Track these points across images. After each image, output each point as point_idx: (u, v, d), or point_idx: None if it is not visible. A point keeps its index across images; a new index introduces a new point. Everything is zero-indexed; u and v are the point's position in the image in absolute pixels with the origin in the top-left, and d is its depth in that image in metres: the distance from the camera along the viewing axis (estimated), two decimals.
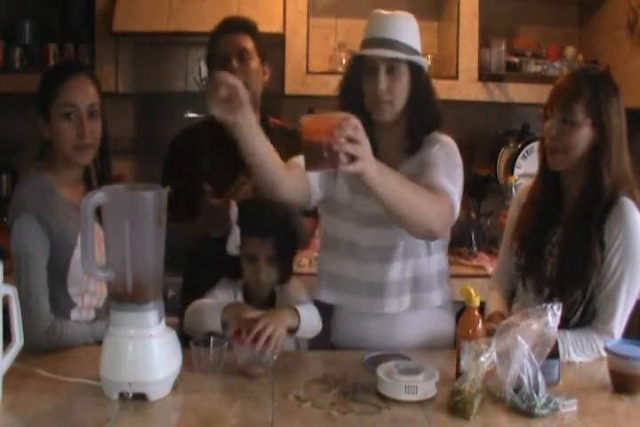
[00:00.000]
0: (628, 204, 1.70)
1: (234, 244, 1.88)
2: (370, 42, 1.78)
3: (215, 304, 1.79)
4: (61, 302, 1.78)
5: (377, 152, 1.77)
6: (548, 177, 1.82)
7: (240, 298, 1.91)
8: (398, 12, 1.80)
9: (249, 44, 2.19)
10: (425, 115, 1.82)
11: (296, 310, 1.73)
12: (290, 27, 3.14)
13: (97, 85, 1.85)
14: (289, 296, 1.91)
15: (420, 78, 1.80)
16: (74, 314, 1.80)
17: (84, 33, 3.25)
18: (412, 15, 1.81)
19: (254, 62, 2.19)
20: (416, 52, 1.79)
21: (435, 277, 1.88)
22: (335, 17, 3.45)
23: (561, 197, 1.82)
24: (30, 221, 1.72)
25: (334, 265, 1.90)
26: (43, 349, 1.69)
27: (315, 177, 1.84)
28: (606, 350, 1.57)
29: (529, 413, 1.41)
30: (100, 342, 1.56)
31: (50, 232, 1.74)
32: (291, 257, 1.95)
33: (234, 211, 1.91)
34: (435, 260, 1.89)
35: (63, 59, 3.22)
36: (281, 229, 1.87)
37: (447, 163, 1.78)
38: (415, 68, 1.78)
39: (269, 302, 1.89)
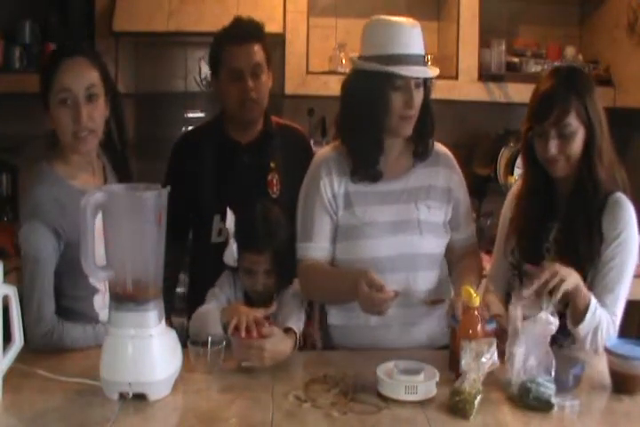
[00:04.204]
0: (623, 198, 1.74)
1: (231, 256, 1.86)
2: (401, 59, 1.74)
3: (214, 309, 1.79)
4: (84, 289, 1.77)
5: (384, 165, 1.85)
6: (536, 176, 1.84)
7: (241, 298, 1.90)
8: (408, 20, 1.79)
9: (261, 55, 2.15)
10: (431, 119, 1.87)
11: (295, 335, 1.73)
12: (290, 27, 3.14)
13: (97, 66, 1.78)
14: (286, 296, 1.89)
15: (429, 86, 1.84)
16: (97, 299, 1.79)
17: (83, 33, 3.24)
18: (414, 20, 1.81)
19: (265, 75, 2.17)
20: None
21: (441, 288, 1.89)
22: (335, 17, 3.44)
23: (552, 194, 1.83)
24: (39, 227, 1.70)
25: None
26: (42, 350, 1.69)
27: (326, 237, 1.86)
28: (606, 350, 1.57)
29: (547, 402, 1.42)
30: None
31: (62, 233, 1.72)
32: (288, 266, 1.89)
33: (230, 222, 1.88)
34: (442, 274, 1.92)
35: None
36: (277, 243, 1.85)
37: (466, 196, 1.96)
38: (427, 78, 1.81)
39: (268, 302, 1.88)
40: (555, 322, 1.51)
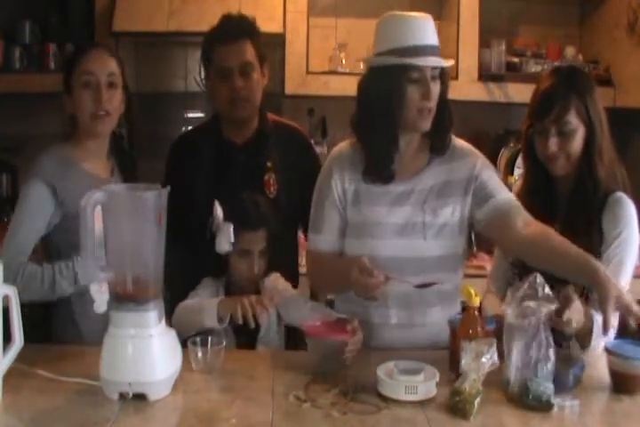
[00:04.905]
0: (624, 197, 1.75)
1: (226, 241, 1.88)
2: (416, 50, 1.71)
3: (207, 301, 1.82)
4: None
5: (398, 165, 1.83)
6: (537, 175, 1.85)
7: (222, 296, 1.92)
8: (420, 14, 1.78)
9: (250, 53, 2.13)
10: (448, 114, 1.83)
11: None
12: (290, 27, 3.14)
13: (117, 59, 1.92)
14: (276, 289, 1.94)
15: (445, 79, 1.80)
16: (92, 284, 1.80)
17: (83, 33, 3.24)
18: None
19: (256, 74, 2.15)
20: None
21: (455, 293, 1.85)
22: (335, 17, 3.44)
23: (552, 193, 1.84)
24: (38, 187, 1.79)
25: None
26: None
27: (334, 231, 1.88)
28: (606, 349, 1.57)
29: (547, 403, 1.42)
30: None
31: (62, 202, 1.79)
32: (278, 251, 1.98)
33: (218, 210, 1.90)
34: (456, 275, 1.88)
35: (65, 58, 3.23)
36: (269, 220, 1.93)
37: (493, 175, 1.85)
38: (443, 72, 1.78)
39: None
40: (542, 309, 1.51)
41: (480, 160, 1.86)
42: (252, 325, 1.75)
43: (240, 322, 1.75)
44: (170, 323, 1.85)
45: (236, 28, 2.15)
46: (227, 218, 1.89)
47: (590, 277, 1.56)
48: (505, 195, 1.82)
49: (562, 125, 1.74)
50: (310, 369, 1.63)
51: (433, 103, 1.76)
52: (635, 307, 1.52)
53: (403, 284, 1.70)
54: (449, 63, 1.77)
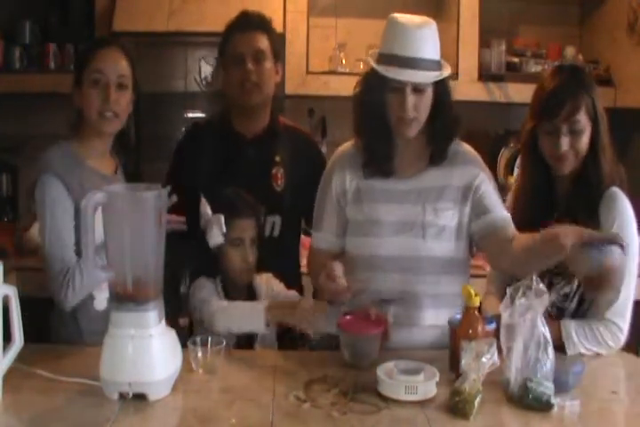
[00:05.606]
0: (618, 192, 1.75)
1: (219, 233, 1.90)
2: (396, 60, 1.71)
3: (248, 305, 1.86)
4: None
5: (398, 162, 1.84)
6: (538, 175, 1.85)
7: (222, 294, 1.94)
8: (422, 21, 1.75)
9: (264, 43, 2.17)
10: (447, 123, 1.83)
11: None
12: (290, 27, 3.14)
13: (129, 58, 1.92)
14: (270, 289, 1.98)
15: (443, 89, 1.79)
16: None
17: (83, 33, 3.24)
18: (432, 21, 1.77)
19: (268, 63, 2.19)
20: (440, 62, 1.76)
21: (456, 297, 1.80)
22: (335, 17, 3.44)
23: (551, 192, 1.85)
24: (52, 181, 1.79)
25: (356, 282, 1.81)
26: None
27: (333, 230, 1.91)
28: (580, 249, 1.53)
29: (547, 403, 1.42)
30: None
31: (72, 194, 1.78)
32: (275, 249, 2.04)
33: (205, 206, 1.92)
34: (457, 280, 1.84)
35: (65, 58, 3.22)
36: (256, 208, 1.99)
37: (494, 189, 1.85)
38: (439, 81, 1.76)
39: (249, 297, 1.96)
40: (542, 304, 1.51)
41: (483, 172, 1.86)
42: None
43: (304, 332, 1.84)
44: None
45: (253, 20, 2.20)
46: (215, 211, 1.91)
47: (548, 240, 1.57)
48: (501, 213, 1.83)
49: (573, 124, 1.73)
50: (314, 369, 1.63)
51: (412, 114, 1.75)
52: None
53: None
54: (425, 79, 1.73)
